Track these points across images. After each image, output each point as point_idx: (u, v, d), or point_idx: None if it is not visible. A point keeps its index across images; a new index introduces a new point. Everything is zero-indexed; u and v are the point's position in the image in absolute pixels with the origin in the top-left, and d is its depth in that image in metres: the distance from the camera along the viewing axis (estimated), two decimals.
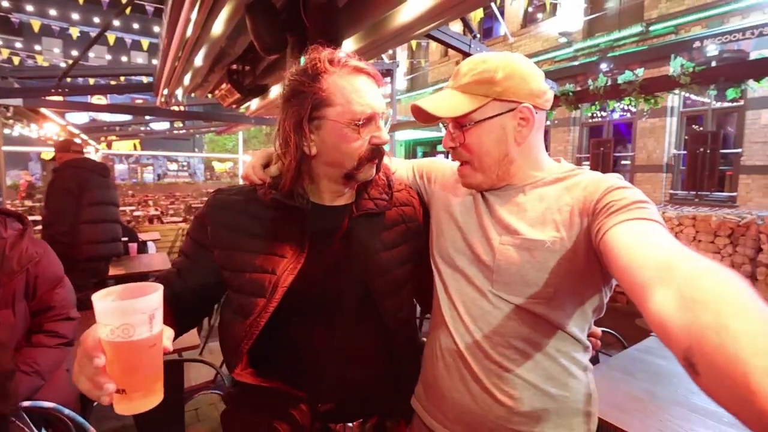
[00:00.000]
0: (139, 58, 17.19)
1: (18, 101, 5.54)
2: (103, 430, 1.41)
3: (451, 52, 12.26)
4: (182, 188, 16.71)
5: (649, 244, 0.62)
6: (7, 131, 7.98)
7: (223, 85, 4.14)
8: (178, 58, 3.63)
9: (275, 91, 4.64)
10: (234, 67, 3.96)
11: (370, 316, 0.92)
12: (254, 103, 5.36)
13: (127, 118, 13.62)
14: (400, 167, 1.10)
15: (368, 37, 2.90)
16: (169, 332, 0.64)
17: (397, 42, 2.94)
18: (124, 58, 17.81)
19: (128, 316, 0.57)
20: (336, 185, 0.92)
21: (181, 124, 14.67)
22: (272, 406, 0.90)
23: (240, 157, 16.44)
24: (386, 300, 0.92)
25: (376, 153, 0.88)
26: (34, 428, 1.16)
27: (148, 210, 8.11)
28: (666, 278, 0.53)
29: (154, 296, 0.59)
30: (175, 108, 6.73)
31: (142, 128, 15.17)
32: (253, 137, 19.91)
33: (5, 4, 12.92)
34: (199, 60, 3.75)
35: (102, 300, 0.58)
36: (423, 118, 0.88)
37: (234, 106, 4.58)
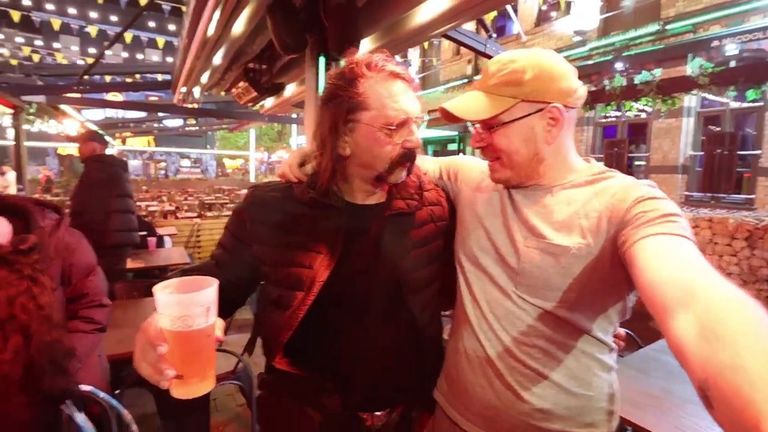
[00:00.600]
0: (154, 56, 17.38)
1: (41, 98, 5.70)
2: None
3: (463, 50, 12.21)
4: (195, 184, 16.90)
5: (674, 263, 0.62)
6: (26, 127, 8.18)
7: (241, 83, 4.21)
8: (198, 57, 3.70)
9: (290, 89, 4.70)
10: (251, 65, 4.03)
11: (399, 312, 0.95)
12: (269, 101, 5.44)
13: (141, 114, 13.86)
14: (427, 166, 1.13)
15: (385, 37, 2.94)
16: (220, 323, 0.68)
17: (414, 42, 2.97)
18: (139, 56, 18.02)
19: (189, 308, 0.61)
20: (368, 185, 0.95)
21: (194, 121, 14.87)
22: (305, 394, 0.94)
23: (251, 154, 16.58)
24: (415, 297, 0.95)
25: (407, 156, 0.90)
26: (75, 408, 1.21)
27: (163, 205, 8.24)
28: (688, 303, 0.54)
29: (211, 290, 0.63)
30: (192, 105, 6.84)
31: (155, 125, 15.41)
32: (264, 134, 20.05)
33: (26, 2, 13.19)
34: (218, 59, 3.83)
35: (163, 292, 0.62)
36: (449, 119, 0.91)
37: (250, 103, 4.66)
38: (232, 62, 4.09)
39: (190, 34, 3.42)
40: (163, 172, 24.43)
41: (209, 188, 14.74)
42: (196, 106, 7.75)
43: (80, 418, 1.31)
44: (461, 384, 0.95)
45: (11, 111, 5.72)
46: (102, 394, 1.41)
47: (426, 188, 1.03)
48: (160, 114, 12.88)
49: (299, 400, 0.95)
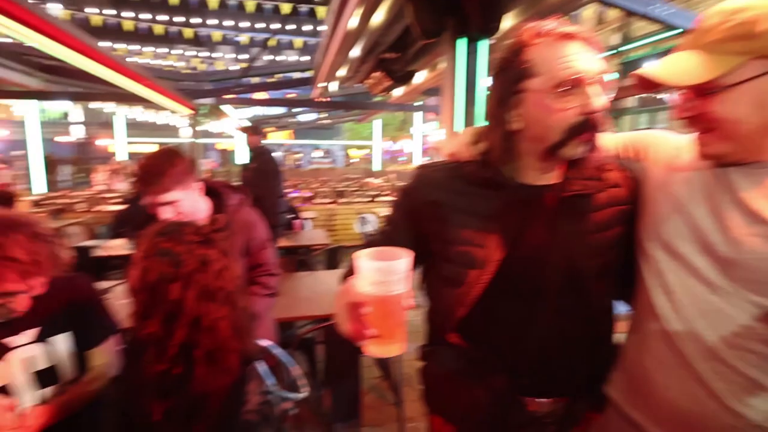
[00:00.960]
0: (292, 56, 19.07)
1: (210, 100, 6.79)
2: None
3: (609, 18, 10.92)
4: (325, 173, 18.32)
5: None
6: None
7: (374, 74, 4.39)
8: (339, 52, 3.96)
9: (420, 76, 4.75)
10: (385, 55, 4.16)
11: (572, 299, 0.90)
12: (398, 90, 5.58)
13: (281, 111, 15.44)
14: (607, 142, 1.03)
15: (530, 9, 2.77)
16: (411, 292, 0.72)
17: (563, 11, 2.73)
18: (279, 58, 19.89)
19: (388, 274, 0.67)
20: (540, 162, 0.89)
21: (326, 115, 16.08)
22: (472, 370, 0.95)
23: (376, 143, 17.28)
24: (592, 284, 0.89)
25: (585, 125, 0.81)
26: (256, 361, 1.42)
27: (302, 192, 9.12)
28: None
29: (407, 260, 0.68)
30: (328, 99, 7.42)
31: (290, 120, 17.08)
32: (387, 124, 20.68)
33: (195, 20, 15.66)
34: (355, 52, 4.04)
35: (365, 260, 0.69)
36: (648, 87, 0.80)
37: (383, 93, 4.84)
38: (367, 54, 4.28)
39: (332, 31, 3.67)
40: (298, 162, 26.98)
41: (338, 177, 15.85)
42: (329, 99, 8.35)
43: (262, 368, 1.54)
44: (646, 384, 0.86)
45: (191, 112, 7.02)
46: (277, 350, 1.63)
47: (607, 168, 0.93)
48: (295, 109, 14.19)
49: (466, 376, 0.96)
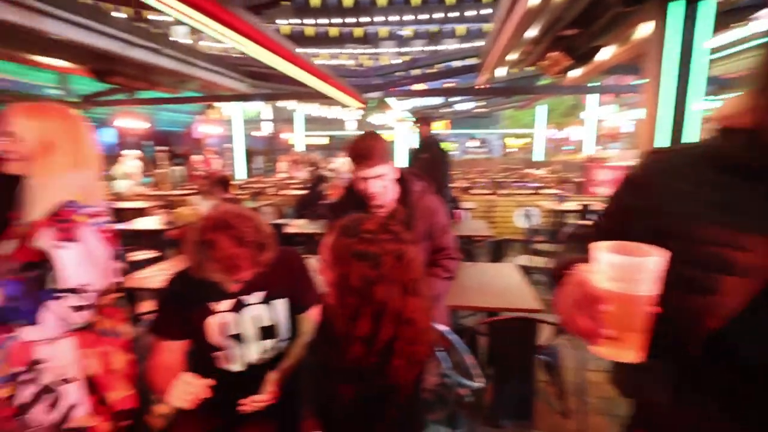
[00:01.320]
0: (453, 44, 19.02)
1: (377, 94, 7.24)
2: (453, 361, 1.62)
3: None
4: (482, 163, 17.93)
5: None
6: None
7: (553, 54, 4.02)
8: (514, 34, 3.74)
9: (606, 53, 4.18)
10: (566, 32, 3.77)
11: None
12: (573, 72, 5.03)
13: (437, 101, 15.62)
14: None
15: None
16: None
17: None
18: (439, 47, 20.03)
19: (635, 272, 0.60)
20: None
21: (484, 102, 15.67)
22: (711, 396, 0.77)
23: (538, 131, 16.19)
24: None
25: None
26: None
27: (460, 183, 9.09)
28: None
29: (659, 259, 0.60)
30: (488, 86, 7.18)
31: (447, 110, 17.14)
32: (552, 110, 19.08)
33: (364, 19, 16.85)
34: (531, 32, 3.76)
35: (607, 252, 0.62)
36: None
37: (559, 74, 4.43)
38: (545, 33, 3.95)
39: (507, 13, 3.48)
40: (456, 152, 27.02)
41: (496, 167, 15.34)
42: (488, 86, 8.07)
43: (439, 351, 1.55)
44: None
45: (362, 106, 7.66)
46: (452, 336, 1.63)
47: None
48: (452, 99, 14.16)
49: (701, 399, 0.78)
